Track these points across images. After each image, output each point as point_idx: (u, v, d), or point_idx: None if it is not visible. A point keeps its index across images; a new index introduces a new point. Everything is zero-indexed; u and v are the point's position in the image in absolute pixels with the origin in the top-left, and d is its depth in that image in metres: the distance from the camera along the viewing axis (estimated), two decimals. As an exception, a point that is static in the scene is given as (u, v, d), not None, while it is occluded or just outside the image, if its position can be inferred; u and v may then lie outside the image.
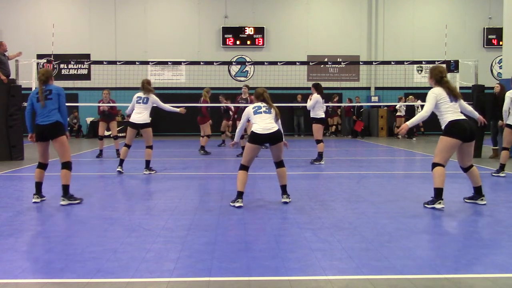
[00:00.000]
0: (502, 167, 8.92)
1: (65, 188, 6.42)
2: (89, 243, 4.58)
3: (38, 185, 6.57)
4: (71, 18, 21.98)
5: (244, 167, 6.46)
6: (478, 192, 6.42)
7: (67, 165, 6.44)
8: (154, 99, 9.46)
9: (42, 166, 6.58)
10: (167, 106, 9.82)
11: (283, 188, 6.58)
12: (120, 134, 17.04)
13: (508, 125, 9.00)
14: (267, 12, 22.53)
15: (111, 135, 12.95)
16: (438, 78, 6.16)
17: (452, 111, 6.09)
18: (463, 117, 6.19)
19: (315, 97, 10.87)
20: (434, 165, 6.12)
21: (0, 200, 6.81)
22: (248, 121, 6.77)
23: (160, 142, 17.43)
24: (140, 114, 9.27)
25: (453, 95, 6.12)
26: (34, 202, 6.49)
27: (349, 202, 6.59)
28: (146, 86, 9.39)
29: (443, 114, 6.12)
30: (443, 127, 6.13)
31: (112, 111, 12.65)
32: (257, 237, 4.87)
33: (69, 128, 20.73)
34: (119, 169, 9.33)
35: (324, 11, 22.83)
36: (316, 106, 10.86)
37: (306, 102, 11.33)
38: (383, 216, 5.73)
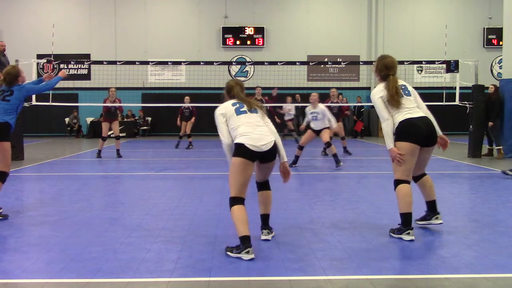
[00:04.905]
0: None
1: None
2: (89, 243, 4.58)
3: None
4: (71, 18, 21.98)
5: (237, 200, 4.24)
6: (432, 209, 4.97)
7: (1, 175, 5.74)
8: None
9: None
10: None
11: (265, 219, 4.68)
12: (121, 134, 17.03)
13: None
14: (267, 12, 22.53)
15: (113, 135, 12.95)
16: (383, 75, 4.88)
17: (406, 109, 4.67)
18: (421, 114, 4.70)
19: (323, 109, 10.37)
20: (396, 182, 4.68)
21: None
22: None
23: (160, 142, 17.41)
24: None
25: (397, 96, 4.69)
26: None
27: (349, 202, 6.59)
28: None
29: (393, 115, 4.70)
30: (394, 130, 4.69)
31: (118, 109, 12.89)
32: (257, 237, 4.86)
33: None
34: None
35: (324, 11, 22.82)
36: (329, 115, 10.45)
37: (305, 102, 11.23)
38: (383, 216, 5.73)
